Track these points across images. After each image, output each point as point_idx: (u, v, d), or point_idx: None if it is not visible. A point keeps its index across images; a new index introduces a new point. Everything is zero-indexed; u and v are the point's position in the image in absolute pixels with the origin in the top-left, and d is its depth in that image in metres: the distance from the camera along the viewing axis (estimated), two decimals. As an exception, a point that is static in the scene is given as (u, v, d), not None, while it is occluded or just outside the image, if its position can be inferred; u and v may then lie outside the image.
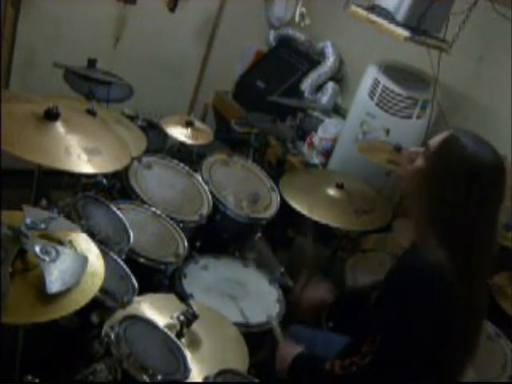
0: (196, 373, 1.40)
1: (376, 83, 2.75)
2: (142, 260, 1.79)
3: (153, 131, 2.68)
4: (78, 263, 1.27)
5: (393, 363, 1.29)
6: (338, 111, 3.40)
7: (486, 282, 1.44)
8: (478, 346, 1.40)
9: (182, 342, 1.45)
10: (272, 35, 3.73)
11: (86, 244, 1.38)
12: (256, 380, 1.46)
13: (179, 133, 2.44)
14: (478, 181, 1.29)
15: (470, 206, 1.29)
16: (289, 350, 1.56)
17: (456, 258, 1.28)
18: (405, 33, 2.37)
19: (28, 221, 1.26)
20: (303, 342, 1.61)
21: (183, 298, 1.59)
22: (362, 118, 2.82)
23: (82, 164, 1.57)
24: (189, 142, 2.44)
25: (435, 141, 1.37)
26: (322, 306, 1.78)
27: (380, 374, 1.30)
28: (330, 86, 3.37)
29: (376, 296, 1.46)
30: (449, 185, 1.31)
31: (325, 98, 3.35)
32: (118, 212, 1.83)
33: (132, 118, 2.57)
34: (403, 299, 1.29)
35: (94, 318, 1.44)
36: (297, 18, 3.03)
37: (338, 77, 3.46)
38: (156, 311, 1.57)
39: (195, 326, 1.52)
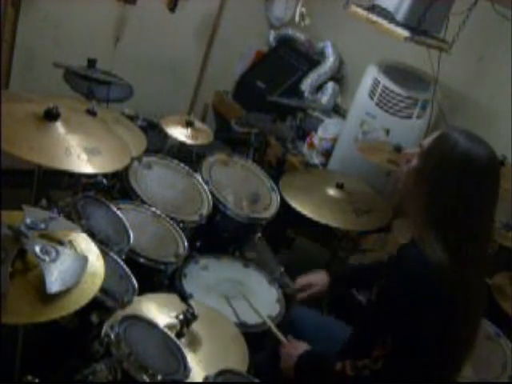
0: (196, 373, 1.40)
1: (376, 83, 2.75)
2: (141, 260, 1.79)
3: (153, 131, 2.67)
4: (78, 263, 1.27)
5: (405, 366, 1.30)
6: (338, 111, 3.40)
7: (485, 279, 1.45)
8: (476, 343, 1.41)
9: (182, 342, 1.45)
10: (272, 35, 3.73)
11: (85, 244, 1.38)
12: (256, 380, 1.46)
13: (179, 133, 2.44)
14: (469, 176, 1.30)
15: (462, 201, 1.29)
16: (294, 348, 1.57)
17: (453, 254, 1.28)
18: (405, 33, 2.37)
19: (28, 221, 1.26)
20: (306, 326, 1.62)
21: (183, 297, 1.58)
22: (362, 118, 2.82)
23: (82, 164, 1.56)
24: (189, 141, 2.43)
25: (428, 140, 1.39)
26: (318, 296, 1.84)
27: (394, 378, 1.30)
28: (330, 86, 3.37)
29: (376, 292, 1.46)
30: (441, 181, 1.32)
31: (325, 98, 3.35)
32: (118, 212, 1.82)
33: (132, 118, 2.56)
34: (409, 301, 1.29)
35: (94, 318, 1.43)
36: (297, 18, 3.03)
37: (337, 77, 3.46)
38: (156, 311, 1.57)
39: (195, 326, 1.51)
